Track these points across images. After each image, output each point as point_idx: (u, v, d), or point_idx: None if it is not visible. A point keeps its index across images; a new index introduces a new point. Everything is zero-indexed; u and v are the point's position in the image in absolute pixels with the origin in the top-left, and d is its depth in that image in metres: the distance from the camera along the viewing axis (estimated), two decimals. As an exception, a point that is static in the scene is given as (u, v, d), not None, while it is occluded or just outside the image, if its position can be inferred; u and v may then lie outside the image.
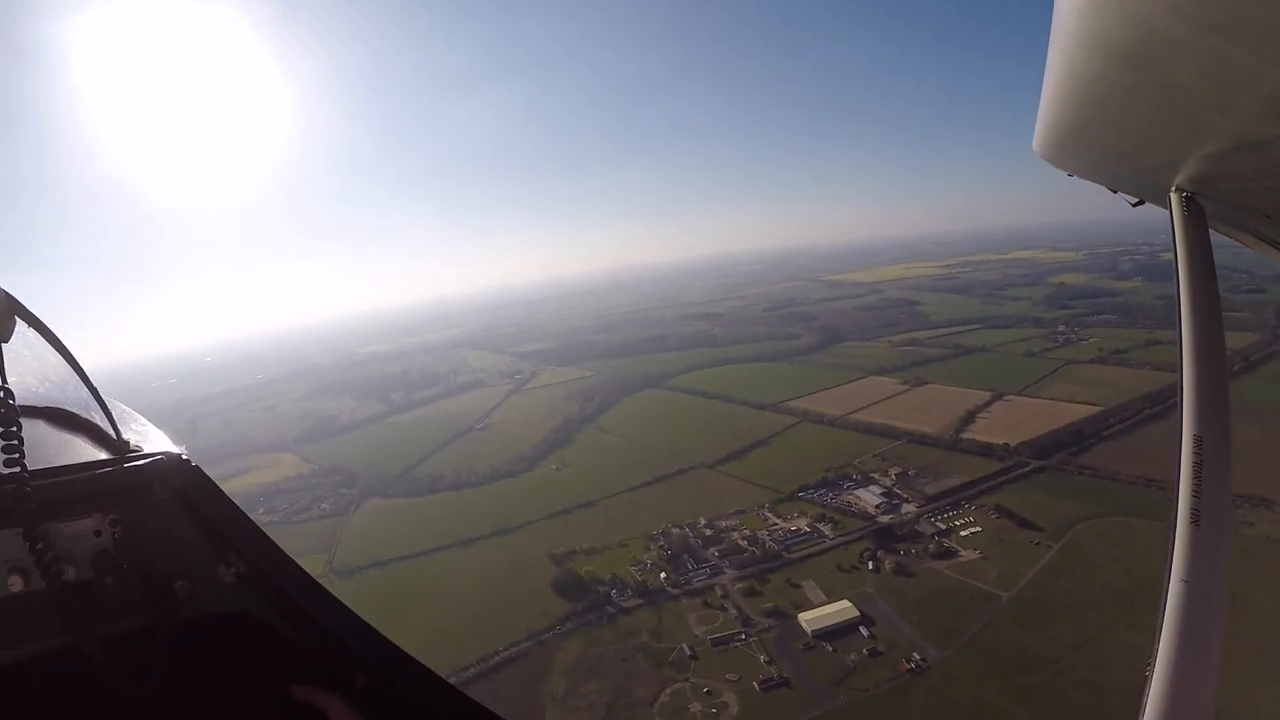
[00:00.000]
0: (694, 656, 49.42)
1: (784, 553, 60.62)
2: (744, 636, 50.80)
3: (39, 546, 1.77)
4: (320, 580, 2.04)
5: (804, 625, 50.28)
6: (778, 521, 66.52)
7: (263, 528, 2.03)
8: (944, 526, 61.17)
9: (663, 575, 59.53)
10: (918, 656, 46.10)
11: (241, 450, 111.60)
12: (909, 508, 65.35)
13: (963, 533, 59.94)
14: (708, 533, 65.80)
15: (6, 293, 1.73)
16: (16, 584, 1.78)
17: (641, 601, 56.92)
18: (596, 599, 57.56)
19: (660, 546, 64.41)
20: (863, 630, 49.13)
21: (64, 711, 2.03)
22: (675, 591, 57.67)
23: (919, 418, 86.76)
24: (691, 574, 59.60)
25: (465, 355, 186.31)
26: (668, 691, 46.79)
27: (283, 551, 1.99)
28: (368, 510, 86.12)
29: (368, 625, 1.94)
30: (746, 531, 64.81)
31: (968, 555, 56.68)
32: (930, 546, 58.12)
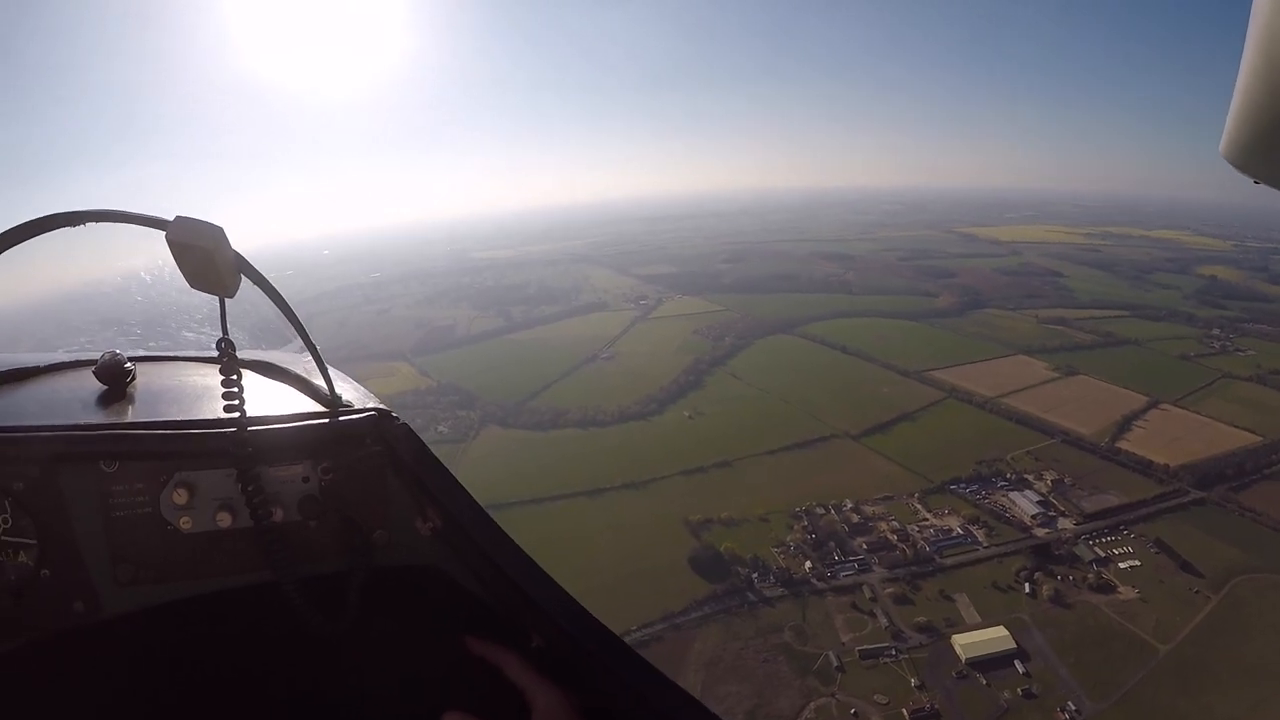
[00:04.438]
0: (841, 668, 48.71)
1: (936, 556, 59.53)
2: (894, 652, 50.03)
3: (250, 488, 2.02)
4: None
5: (957, 649, 49.41)
6: (928, 516, 65.18)
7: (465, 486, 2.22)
8: (1102, 554, 59.14)
9: (807, 565, 58.96)
10: (1073, 707, 44.99)
11: (356, 355, 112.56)
12: (1066, 524, 63.32)
13: (1121, 564, 57.86)
14: (855, 519, 64.85)
15: (237, 253, 1.87)
16: (225, 520, 2.07)
17: (785, 592, 56.34)
18: (737, 583, 57.21)
19: (804, 528, 63.78)
20: (1017, 665, 48.08)
21: (259, 640, 2.44)
22: (821, 586, 57.08)
23: (1073, 414, 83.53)
24: (838, 567, 58.92)
25: (587, 272, 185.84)
26: (812, 706, 46.23)
27: (482, 510, 2.17)
28: (487, 439, 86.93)
29: (558, 588, 2.10)
30: (896, 524, 63.64)
31: (1126, 593, 54.74)
32: (1089, 576, 56.45)
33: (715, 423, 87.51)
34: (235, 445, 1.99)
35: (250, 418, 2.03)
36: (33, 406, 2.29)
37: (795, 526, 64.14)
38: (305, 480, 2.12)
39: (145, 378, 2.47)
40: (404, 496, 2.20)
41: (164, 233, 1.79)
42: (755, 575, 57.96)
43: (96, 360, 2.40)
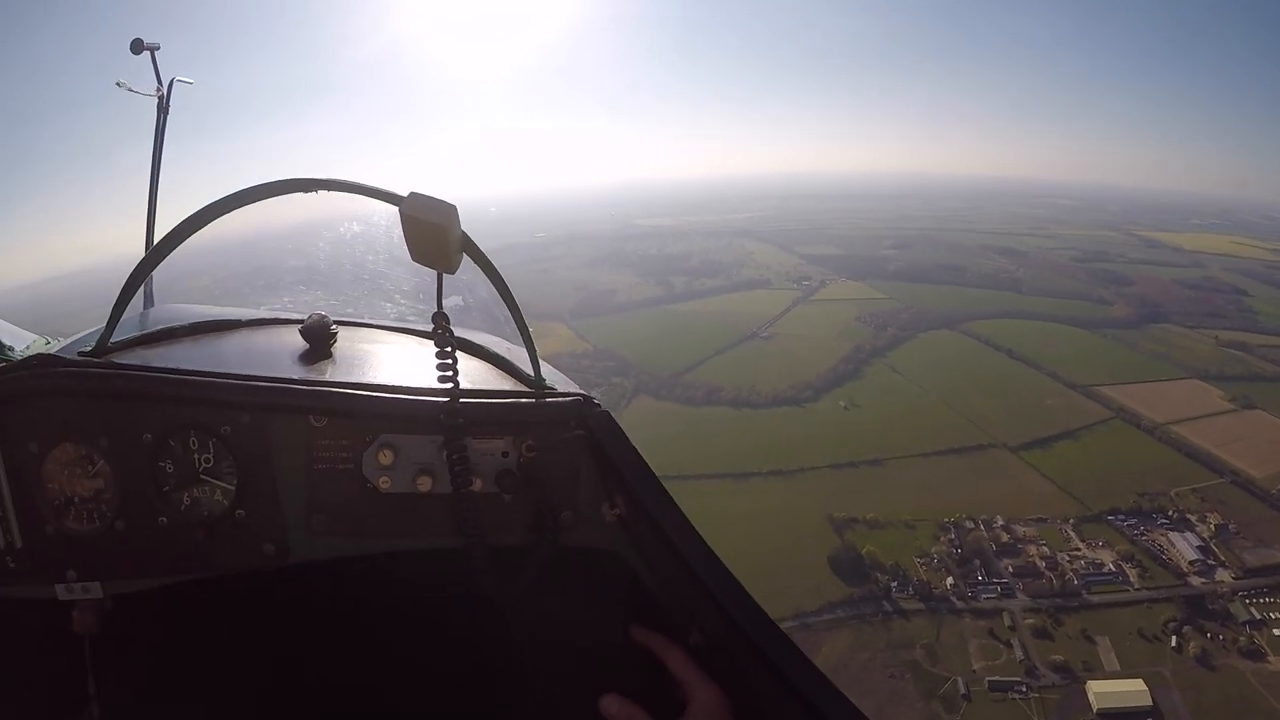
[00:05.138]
0: (967, 697, 47.13)
1: (1084, 590, 56.48)
2: (1024, 689, 47.95)
3: (455, 457, 2.10)
4: None
5: (1090, 697, 46.85)
6: (1080, 546, 61.52)
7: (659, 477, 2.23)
8: (1258, 615, 53.87)
9: (949, 581, 57.50)
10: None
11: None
12: (1224, 575, 58.06)
13: (1275, 630, 52.57)
14: (1004, 538, 62.29)
15: (464, 232, 1.94)
16: (425, 484, 2.17)
17: (922, 607, 55.15)
18: (874, 589, 56.31)
19: (950, 540, 61.95)
20: (1150, 725, 44.90)
21: (436, 601, 2.62)
22: (960, 605, 55.51)
23: (1245, 453, 75.02)
24: (980, 587, 57.03)
25: (749, 247, 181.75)
26: (931, 733, 44.98)
27: (672, 502, 2.17)
28: (639, 408, 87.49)
29: (739, 587, 2.09)
30: (1045, 549, 60.70)
31: (1276, 663, 49.72)
32: (1240, 638, 51.68)
33: (870, 417, 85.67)
34: (448, 415, 2.10)
35: (462, 390, 2.12)
36: (240, 357, 2.50)
37: (941, 538, 62.42)
38: (505, 455, 2.22)
39: (346, 341, 2.62)
40: (595, 480, 2.28)
41: (397, 206, 1.89)
42: (894, 584, 57.00)
43: (299, 319, 2.59)
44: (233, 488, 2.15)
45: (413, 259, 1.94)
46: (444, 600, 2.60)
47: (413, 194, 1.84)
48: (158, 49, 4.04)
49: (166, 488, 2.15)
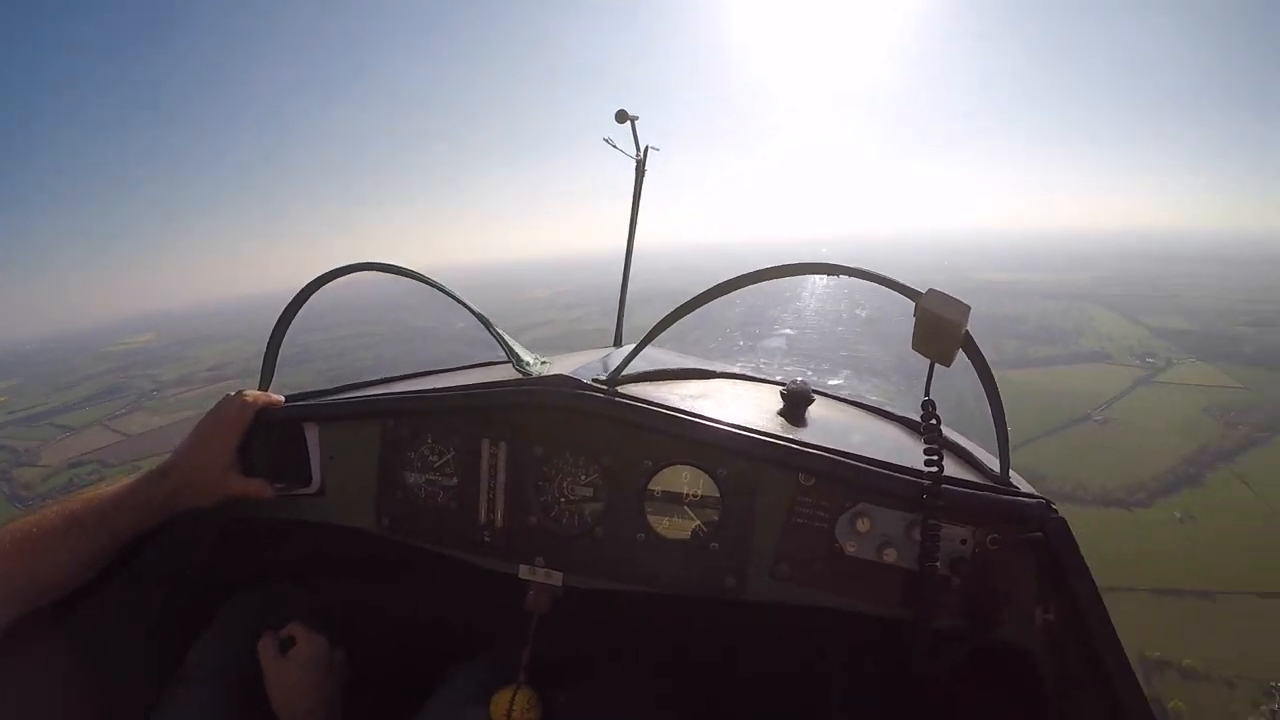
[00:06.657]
0: None
1: None
2: None
3: (928, 535, 2.06)
4: None
5: None
6: None
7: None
8: None
9: (1259, 766, 51.57)
10: None
11: (838, 364, 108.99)
12: None
13: None
14: (1340, 717, 54.81)
15: (967, 331, 1.91)
16: (890, 556, 2.15)
17: (1213, 796, 49.97)
18: (1172, 761, 51.82)
19: (1272, 712, 52.29)
20: None
21: (869, 668, 2.59)
22: (1259, 802, 49.35)
23: None
24: (1296, 779, 50.58)
25: (1090, 312, 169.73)
26: None
27: (1107, 618, 1.99)
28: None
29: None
30: (1394, 742, 52.43)
31: None
32: None
33: (1207, 535, 74.94)
34: (930, 495, 2.06)
35: (945, 475, 2.06)
36: (730, 407, 2.49)
37: (1262, 706, 53.16)
38: (963, 543, 2.14)
39: (819, 409, 2.68)
40: (1034, 582, 2.14)
41: (913, 301, 1.90)
42: (1193, 759, 52.46)
43: (771, 380, 2.84)
44: (714, 522, 2.29)
45: (913, 347, 1.99)
46: (863, 666, 2.68)
47: (931, 291, 1.89)
48: (638, 119, 4.47)
49: (651, 511, 2.34)
